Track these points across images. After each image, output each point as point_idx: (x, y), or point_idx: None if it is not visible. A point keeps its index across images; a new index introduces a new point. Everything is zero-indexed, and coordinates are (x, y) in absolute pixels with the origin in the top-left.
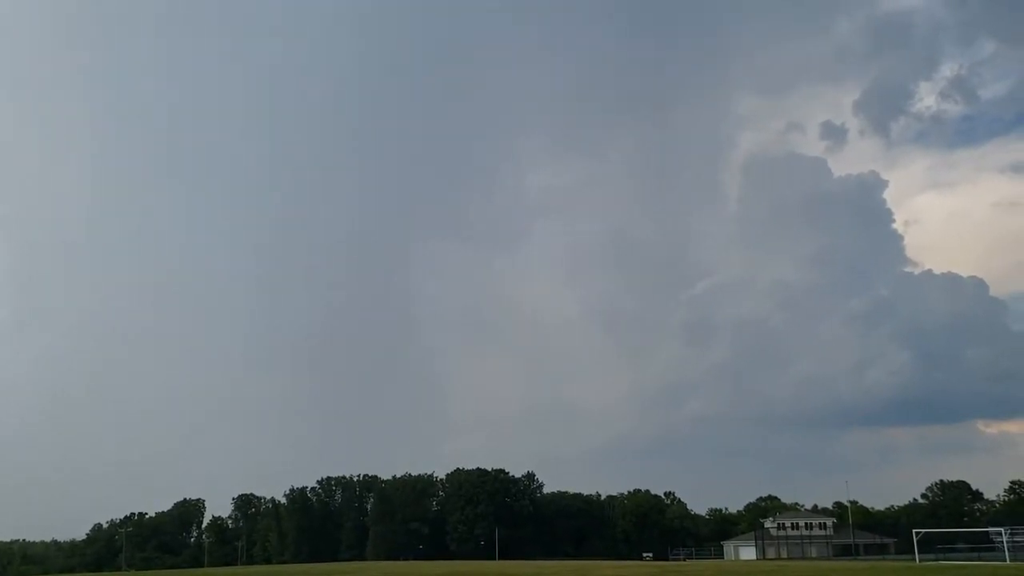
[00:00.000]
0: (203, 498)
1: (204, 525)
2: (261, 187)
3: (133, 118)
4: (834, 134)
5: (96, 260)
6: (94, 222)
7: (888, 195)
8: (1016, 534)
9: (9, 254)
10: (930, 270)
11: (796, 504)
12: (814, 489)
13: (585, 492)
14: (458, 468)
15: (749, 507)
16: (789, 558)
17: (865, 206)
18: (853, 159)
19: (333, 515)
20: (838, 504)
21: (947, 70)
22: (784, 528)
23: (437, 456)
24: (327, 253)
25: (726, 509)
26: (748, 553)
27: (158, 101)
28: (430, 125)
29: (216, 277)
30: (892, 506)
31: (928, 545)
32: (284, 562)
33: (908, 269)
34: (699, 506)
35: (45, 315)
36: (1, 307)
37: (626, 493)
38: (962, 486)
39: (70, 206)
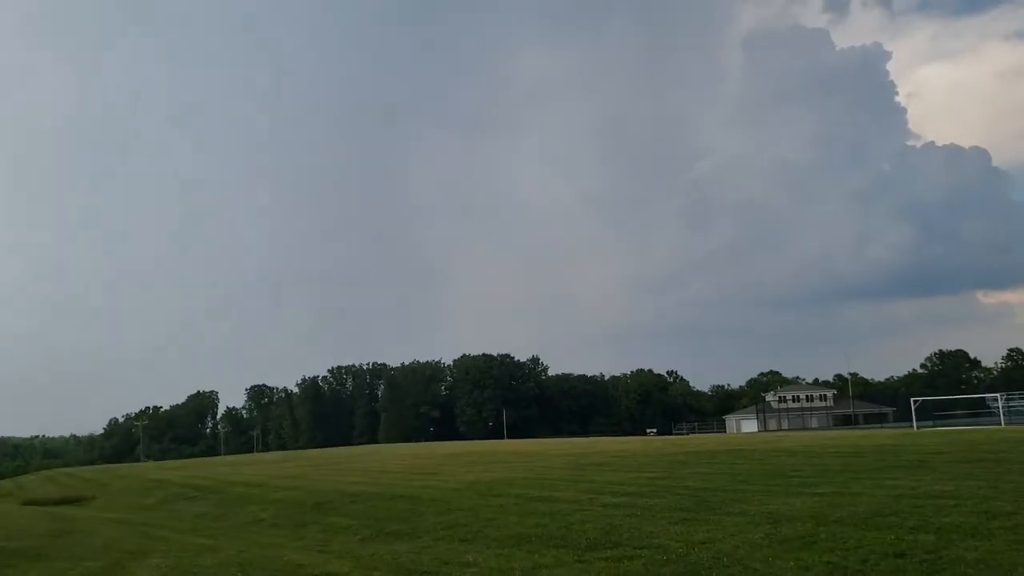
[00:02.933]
0: (216, 390)
1: (219, 416)
2: (261, 83)
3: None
4: (836, 5)
5: (104, 164)
6: (88, 119)
7: (891, 67)
8: (1012, 399)
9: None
10: (932, 142)
11: (797, 378)
12: (815, 364)
13: (589, 373)
14: (464, 354)
15: (751, 382)
16: (790, 429)
17: (868, 79)
18: (856, 31)
19: (345, 402)
20: (839, 377)
21: None
22: (785, 401)
23: (443, 343)
24: (321, 149)
25: (728, 385)
26: (750, 426)
27: None
28: (421, 11)
29: (221, 176)
30: (892, 377)
31: (926, 413)
32: (299, 449)
33: (910, 143)
34: (702, 384)
35: (56, 213)
36: (8, 205)
37: (629, 373)
38: (960, 355)
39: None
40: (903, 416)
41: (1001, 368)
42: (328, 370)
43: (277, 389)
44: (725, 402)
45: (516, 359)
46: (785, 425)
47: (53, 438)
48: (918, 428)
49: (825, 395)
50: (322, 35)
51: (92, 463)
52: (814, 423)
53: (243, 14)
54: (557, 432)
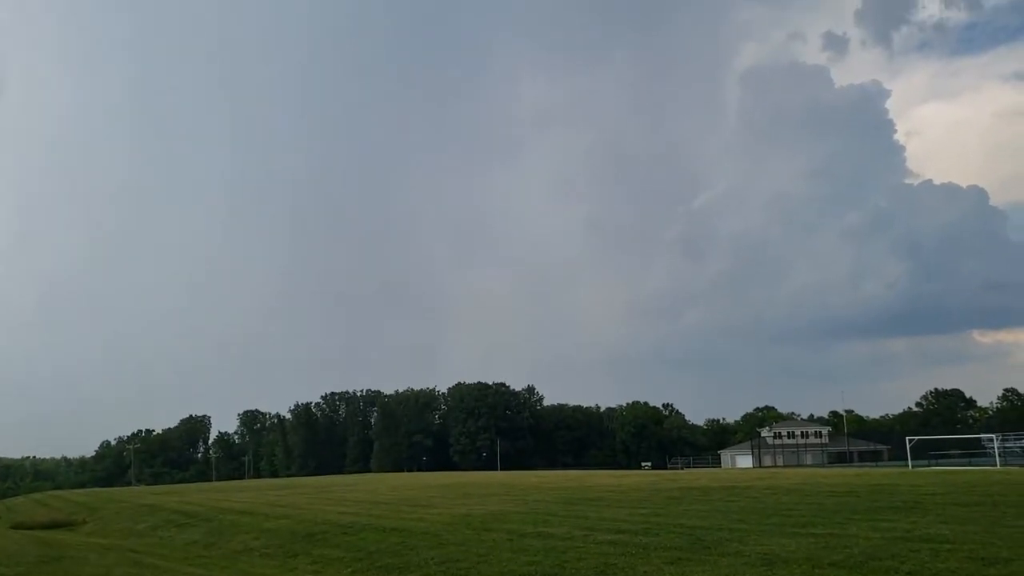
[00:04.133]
0: (209, 414)
1: (211, 441)
2: (262, 108)
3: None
4: (836, 44)
5: (102, 183)
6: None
7: (890, 105)
8: (1007, 440)
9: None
10: (930, 180)
11: (792, 414)
12: (810, 400)
13: (584, 404)
14: (459, 382)
15: (746, 417)
16: (784, 466)
17: (867, 117)
18: (855, 69)
19: (337, 429)
20: (834, 414)
21: None
22: (780, 437)
23: (438, 371)
24: (325, 173)
25: (723, 419)
26: (745, 461)
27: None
28: (425, 36)
29: (217, 203)
30: (887, 414)
31: (921, 452)
32: (290, 476)
33: (908, 180)
34: (697, 417)
35: (46, 235)
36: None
37: (625, 405)
38: (956, 394)
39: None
40: (898, 455)
41: (996, 408)
42: (321, 396)
43: (270, 415)
44: (720, 436)
45: (511, 388)
46: (780, 461)
47: (44, 459)
48: (913, 467)
49: (820, 432)
50: (322, 61)
51: (83, 486)
52: (809, 460)
53: (244, 42)
54: (551, 464)
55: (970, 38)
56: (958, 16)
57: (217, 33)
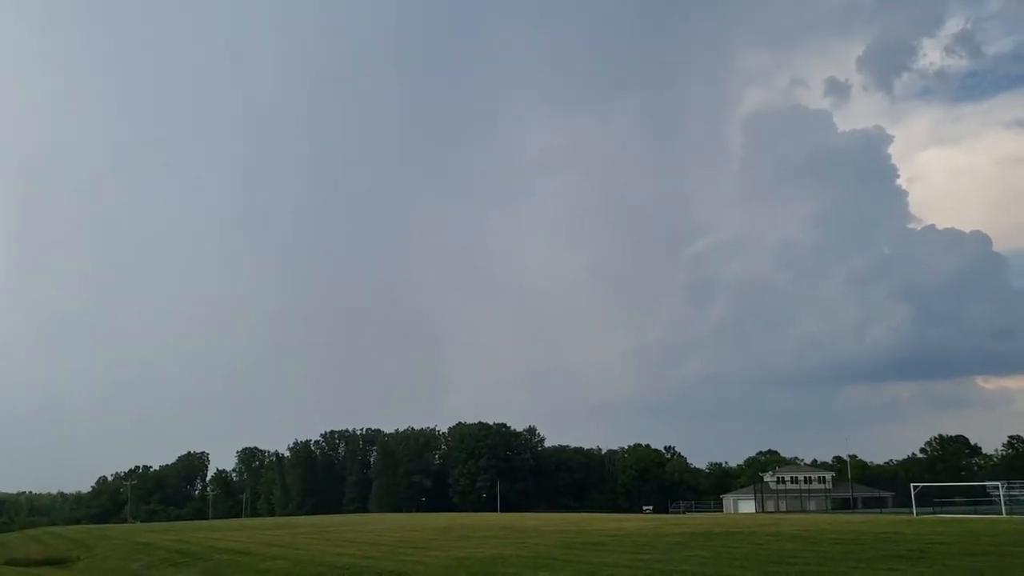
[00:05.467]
0: (207, 451)
1: (208, 478)
2: (264, 151)
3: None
4: (838, 90)
5: (100, 220)
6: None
7: (893, 150)
8: (1013, 488)
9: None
10: (933, 225)
11: (796, 459)
12: (814, 445)
13: (586, 446)
14: (460, 422)
15: (749, 461)
16: (788, 511)
17: (870, 162)
18: (858, 114)
19: (336, 468)
20: (837, 459)
21: (953, 26)
22: (783, 482)
23: (439, 410)
24: (328, 211)
25: (726, 463)
26: (747, 506)
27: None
28: (431, 82)
29: (217, 237)
30: (891, 460)
31: (926, 499)
32: (288, 515)
33: (911, 225)
34: (699, 461)
35: (46, 269)
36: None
37: (627, 448)
38: (961, 441)
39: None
40: (902, 501)
41: (1002, 455)
42: (321, 434)
43: (268, 452)
44: (723, 480)
45: (512, 428)
46: (783, 507)
47: (40, 495)
48: (918, 515)
49: (824, 477)
50: (329, 103)
51: (78, 522)
52: (812, 506)
53: (247, 81)
54: (552, 506)
55: (972, 85)
56: (959, 64)
57: (220, 72)
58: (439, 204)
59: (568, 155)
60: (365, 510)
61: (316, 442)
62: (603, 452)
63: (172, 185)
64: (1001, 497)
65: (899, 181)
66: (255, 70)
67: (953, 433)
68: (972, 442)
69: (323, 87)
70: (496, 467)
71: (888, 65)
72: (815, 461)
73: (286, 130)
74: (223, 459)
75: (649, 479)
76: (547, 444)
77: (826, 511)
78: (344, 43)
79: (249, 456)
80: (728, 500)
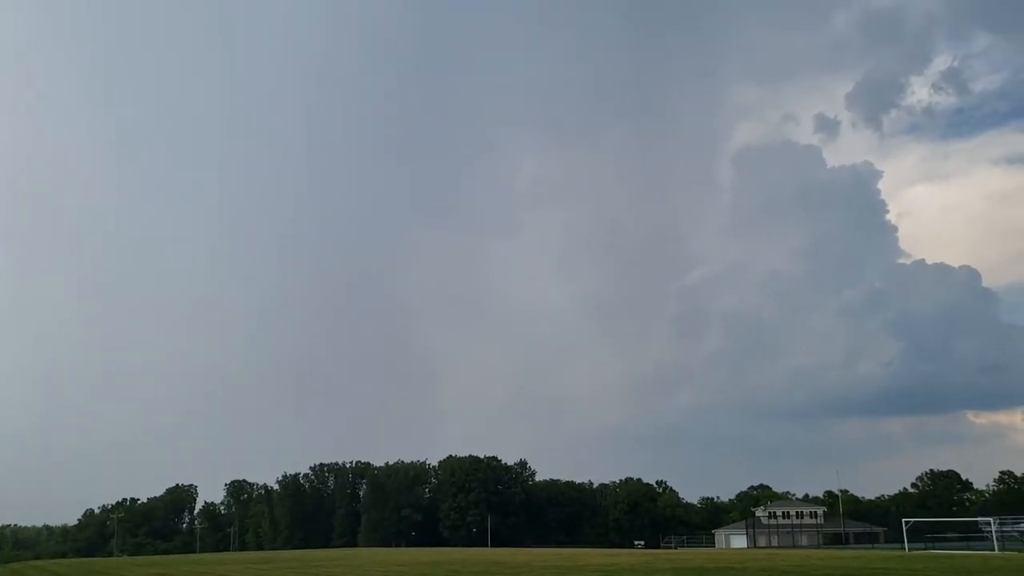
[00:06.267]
0: (195, 484)
1: (196, 511)
2: (256, 180)
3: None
4: (827, 126)
5: (88, 249)
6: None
7: (882, 186)
8: (1005, 524)
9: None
10: (922, 260)
11: (787, 493)
12: (805, 479)
13: (577, 480)
14: (450, 455)
15: (741, 496)
16: (780, 546)
17: (859, 197)
18: (847, 150)
19: (326, 501)
20: (829, 493)
21: (940, 63)
22: (775, 517)
23: (429, 443)
24: (319, 243)
25: (718, 498)
26: (739, 541)
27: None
28: (423, 114)
29: (207, 264)
30: (883, 495)
31: (918, 534)
32: (276, 548)
33: (901, 260)
34: (691, 495)
35: (35, 302)
36: None
37: (618, 482)
38: (952, 476)
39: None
40: (894, 536)
41: (993, 491)
42: (310, 467)
43: (257, 485)
44: (714, 515)
45: (503, 462)
46: (775, 542)
47: (25, 527)
48: (910, 550)
49: (815, 512)
50: (324, 132)
51: (64, 555)
52: (804, 541)
53: (243, 108)
54: (543, 541)
55: (960, 122)
56: (947, 100)
57: (218, 94)
58: (431, 235)
59: (560, 186)
60: (354, 544)
61: (305, 475)
62: (595, 486)
63: (160, 209)
64: (993, 533)
65: (888, 216)
66: (246, 96)
67: (944, 468)
68: (963, 477)
69: (319, 118)
70: (487, 501)
71: (876, 102)
72: (807, 496)
73: (283, 161)
74: (211, 492)
75: (641, 513)
76: (538, 477)
77: (818, 546)
78: (339, 71)
79: (237, 489)
80: (720, 535)
